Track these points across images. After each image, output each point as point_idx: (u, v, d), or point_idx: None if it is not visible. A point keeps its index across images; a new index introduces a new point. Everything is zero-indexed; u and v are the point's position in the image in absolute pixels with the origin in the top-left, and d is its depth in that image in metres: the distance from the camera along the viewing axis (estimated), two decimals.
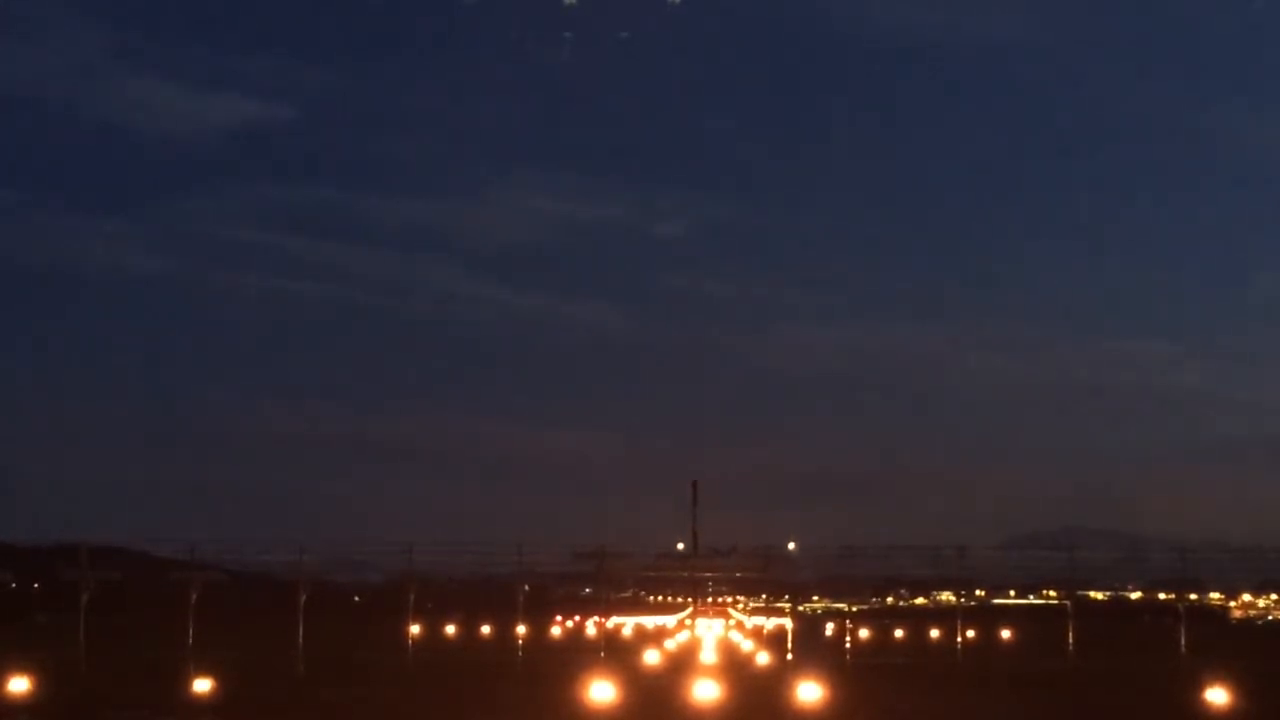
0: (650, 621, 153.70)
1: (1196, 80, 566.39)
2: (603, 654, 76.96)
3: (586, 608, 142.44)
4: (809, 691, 43.14)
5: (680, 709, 44.47)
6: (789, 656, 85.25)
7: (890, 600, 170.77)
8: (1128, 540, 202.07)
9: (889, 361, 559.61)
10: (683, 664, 69.36)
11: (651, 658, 73.91)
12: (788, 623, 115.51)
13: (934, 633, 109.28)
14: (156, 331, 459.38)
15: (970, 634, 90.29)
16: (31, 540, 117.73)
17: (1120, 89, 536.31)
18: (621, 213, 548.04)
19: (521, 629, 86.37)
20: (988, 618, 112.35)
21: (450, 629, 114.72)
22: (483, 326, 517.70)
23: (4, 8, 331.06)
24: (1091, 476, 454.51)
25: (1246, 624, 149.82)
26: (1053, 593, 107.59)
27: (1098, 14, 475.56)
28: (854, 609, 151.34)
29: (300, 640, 74.46)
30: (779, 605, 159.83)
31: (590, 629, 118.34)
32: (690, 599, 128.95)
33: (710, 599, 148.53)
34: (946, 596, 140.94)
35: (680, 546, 78.11)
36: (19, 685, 44.69)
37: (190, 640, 73.36)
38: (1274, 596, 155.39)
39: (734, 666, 70.48)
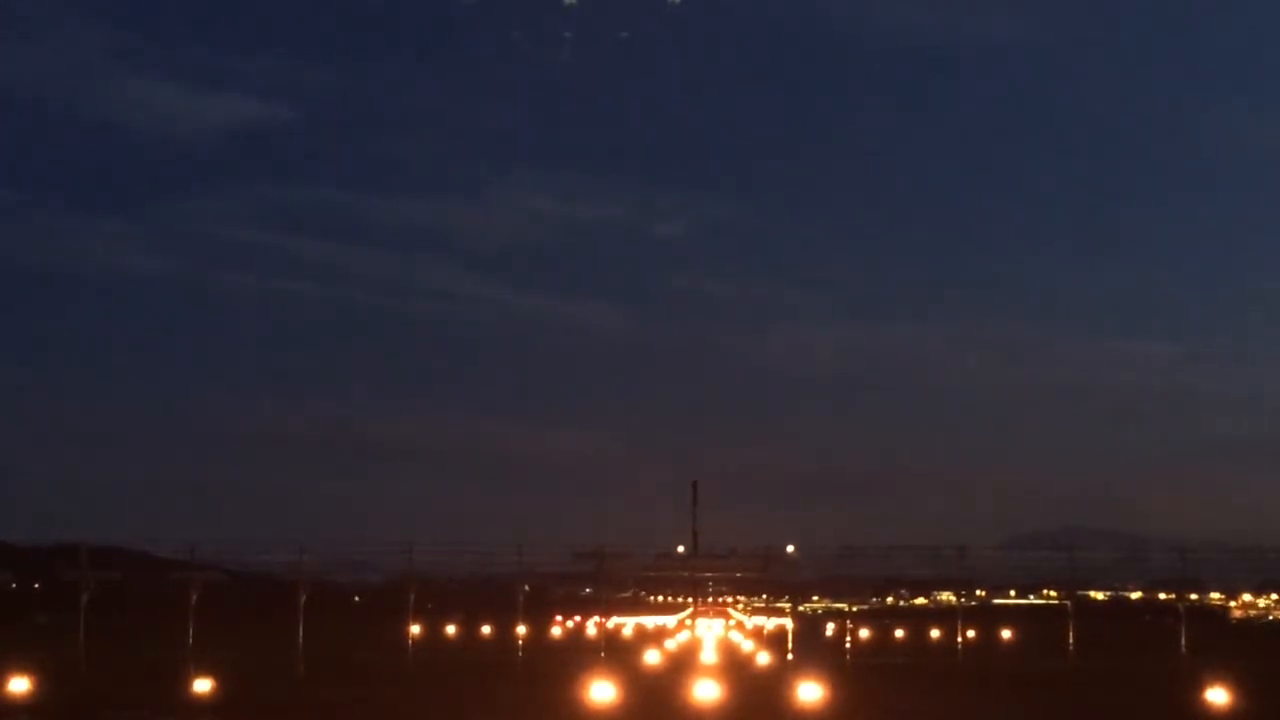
0: (650, 621, 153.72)
1: (1196, 80, 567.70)
2: (603, 654, 76.97)
3: (586, 608, 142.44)
4: (809, 691, 43.13)
5: (680, 709, 44.46)
6: (789, 656, 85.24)
7: (890, 600, 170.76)
8: (1128, 540, 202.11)
9: (889, 361, 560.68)
10: (683, 664, 69.36)
11: (652, 658, 73.90)
12: (788, 623, 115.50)
13: (934, 633, 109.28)
14: (156, 331, 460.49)
15: (970, 634, 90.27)
16: (31, 540, 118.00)
17: (1120, 89, 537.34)
18: (621, 213, 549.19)
19: (521, 629, 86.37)
20: (988, 618, 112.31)
21: (450, 629, 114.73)
22: (483, 326, 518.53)
23: (4, 8, 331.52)
24: (1091, 476, 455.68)
25: (1246, 624, 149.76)
26: (1053, 593, 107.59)
27: (1098, 14, 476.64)
28: (854, 609, 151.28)
29: (300, 640, 74.44)
30: (779, 605, 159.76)
31: (590, 629, 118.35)
32: (690, 599, 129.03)
33: (710, 599, 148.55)
34: (946, 596, 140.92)
35: (680, 549, 78.07)
36: (19, 685, 44.68)
37: (190, 640, 73.33)
38: (1274, 596, 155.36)
39: (734, 666, 70.46)
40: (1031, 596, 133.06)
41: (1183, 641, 75.59)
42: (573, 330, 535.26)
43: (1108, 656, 77.31)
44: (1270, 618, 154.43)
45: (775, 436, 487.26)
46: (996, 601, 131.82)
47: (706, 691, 44.69)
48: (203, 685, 46.39)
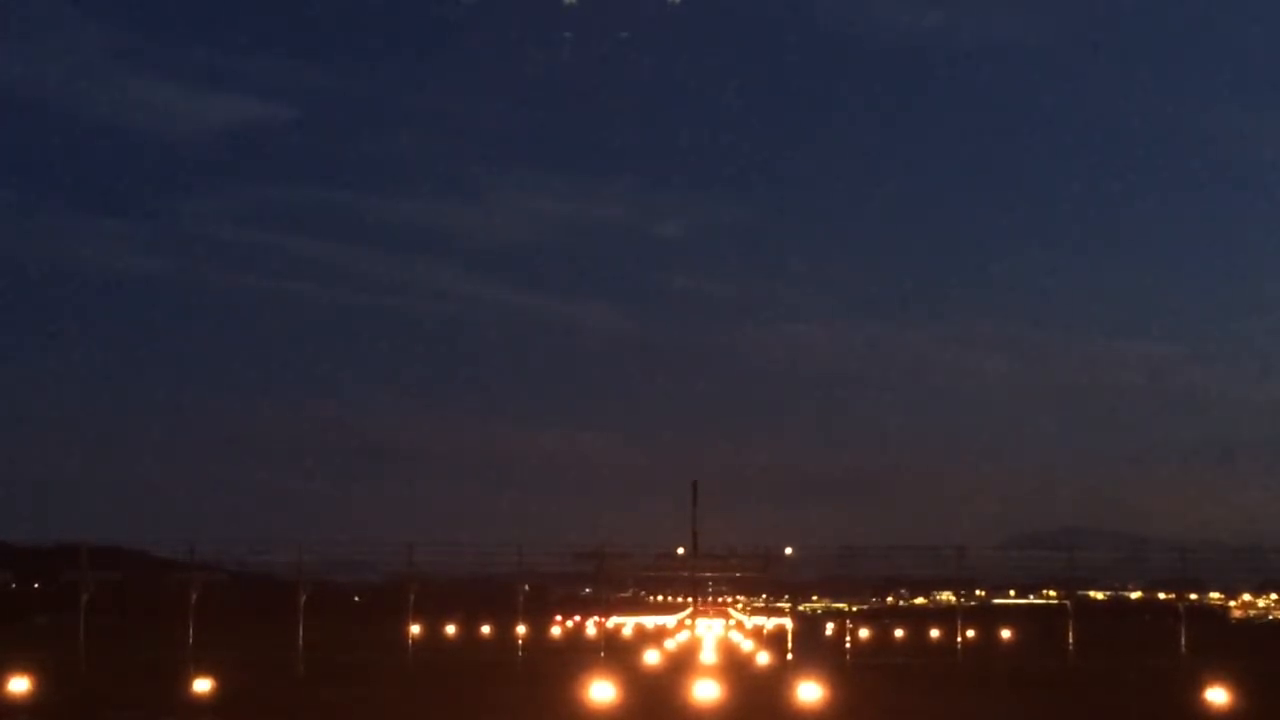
0: (650, 621, 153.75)
1: (1196, 80, 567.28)
2: (603, 654, 76.95)
3: (586, 608, 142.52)
4: (809, 691, 43.11)
5: (680, 709, 44.44)
6: (789, 656, 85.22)
7: (890, 600, 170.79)
8: (1128, 540, 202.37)
9: (889, 361, 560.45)
10: (683, 664, 69.34)
11: (651, 658, 73.90)
12: (788, 623, 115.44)
13: (934, 633, 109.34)
14: (156, 331, 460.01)
15: (970, 634, 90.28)
16: (31, 540, 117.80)
17: (1120, 89, 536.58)
18: (621, 213, 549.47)
19: (521, 629, 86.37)
20: (988, 618, 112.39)
21: (450, 629, 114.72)
22: (483, 326, 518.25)
23: (4, 8, 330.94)
24: (1091, 476, 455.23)
25: (1246, 624, 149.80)
26: (1053, 593, 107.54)
27: (1098, 14, 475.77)
28: (854, 609, 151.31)
29: (300, 640, 74.43)
30: (779, 605, 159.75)
31: (590, 629, 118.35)
32: (690, 599, 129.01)
33: (710, 599, 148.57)
34: (946, 596, 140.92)
35: (680, 551, 78.09)
36: (19, 685, 44.65)
37: (190, 640, 73.33)
38: (1274, 596, 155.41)
39: (734, 666, 70.45)
40: (1031, 596, 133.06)
41: (1183, 641, 75.60)
42: (573, 330, 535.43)
43: (1108, 656, 77.31)
44: (1270, 618, 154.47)
45: (775, 436, 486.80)
46: (996, 601, 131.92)
47: (706, 691, 44.66)
48: (203, 685, 46.37)
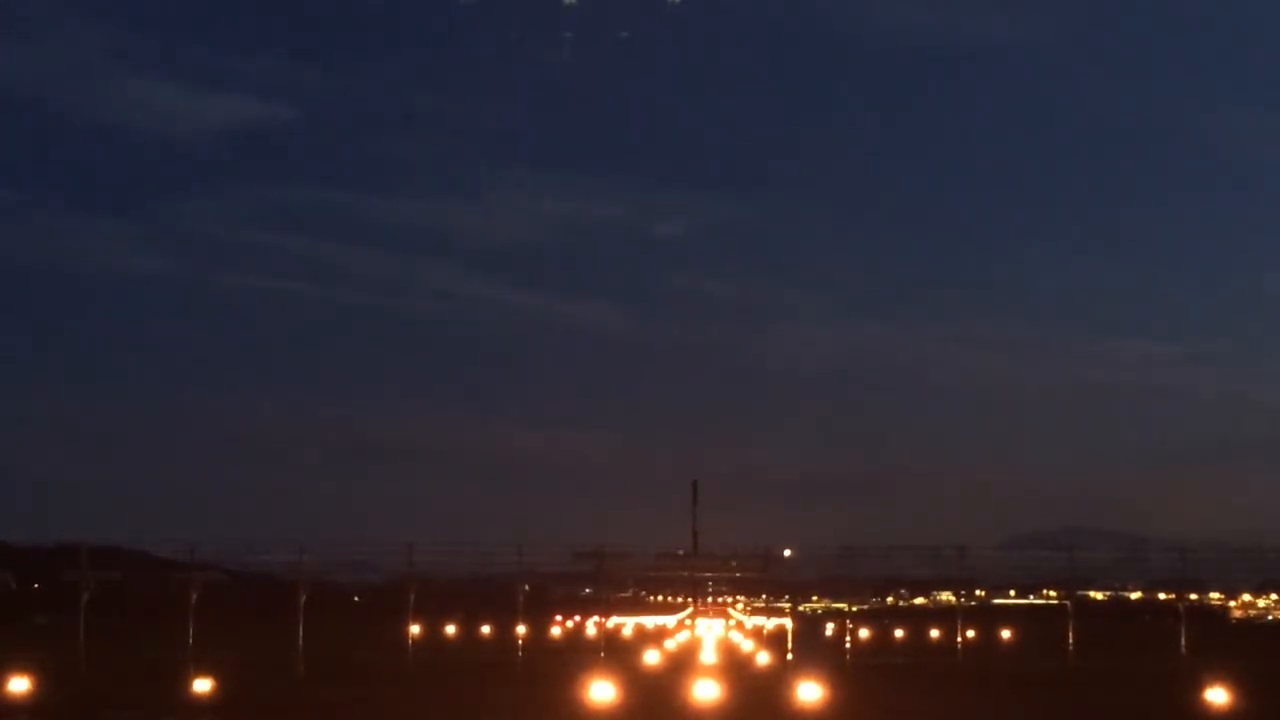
0: (650, 621, 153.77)
1: (1197, 81, 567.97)
2: (603, 654, 76.93)
3: (586, 608, 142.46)
4: (809, 691, 43.12)
5: (680, 709, 44.45)
6: (789, 656, 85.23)
7: (890, 600, 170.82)
8: (1128, 540, 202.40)
9: (888, 361, 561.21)
10: (683, 664, 69.35)
11: (651, 658, 73.92)
12: (788, 623, 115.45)
13: (934, 633, 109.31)
14: (156, 331, 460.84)
15: (970, 634, 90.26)
16: (31, 540, 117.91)
17: (1120, 89, 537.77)
18: (621, 213, 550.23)
19: (521, 629, 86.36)
20: (988, 618, 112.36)
21: (450, 629, 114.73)
22: (483, 326, 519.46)
23: (4, 8, 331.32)
24: (1091, 476, 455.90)
25: (1246, 624, 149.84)
26: (1053, 593, 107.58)
27: (1098, 14, 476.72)
28: (854, 609, 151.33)
29: (300, 640, 74.43)
30: (779, 605, 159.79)
31: (590, 629, 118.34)
32: (690, 599, 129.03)
33: (710, 599, 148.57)
34: (946, 596, 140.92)
35: (681, 553, 78.13)
36: (19, 685, 44.67)
37: (190, 640, 73.32)
38: (1274, 596, 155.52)
39: (734, 666, 70.47)
40: (1031, 596, 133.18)
41: (1183, 641, 75.57)
42: (573, 330, 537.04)
43: (1108, 656, 77.33)
44: (1270, 618, 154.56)
45: (775, 436, 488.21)
46: (996, 601, 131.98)
47: (706, 691, 44.68)
48: (203, 685, 46.37)
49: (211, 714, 43.91)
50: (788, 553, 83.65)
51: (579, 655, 75.89)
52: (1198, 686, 45.14)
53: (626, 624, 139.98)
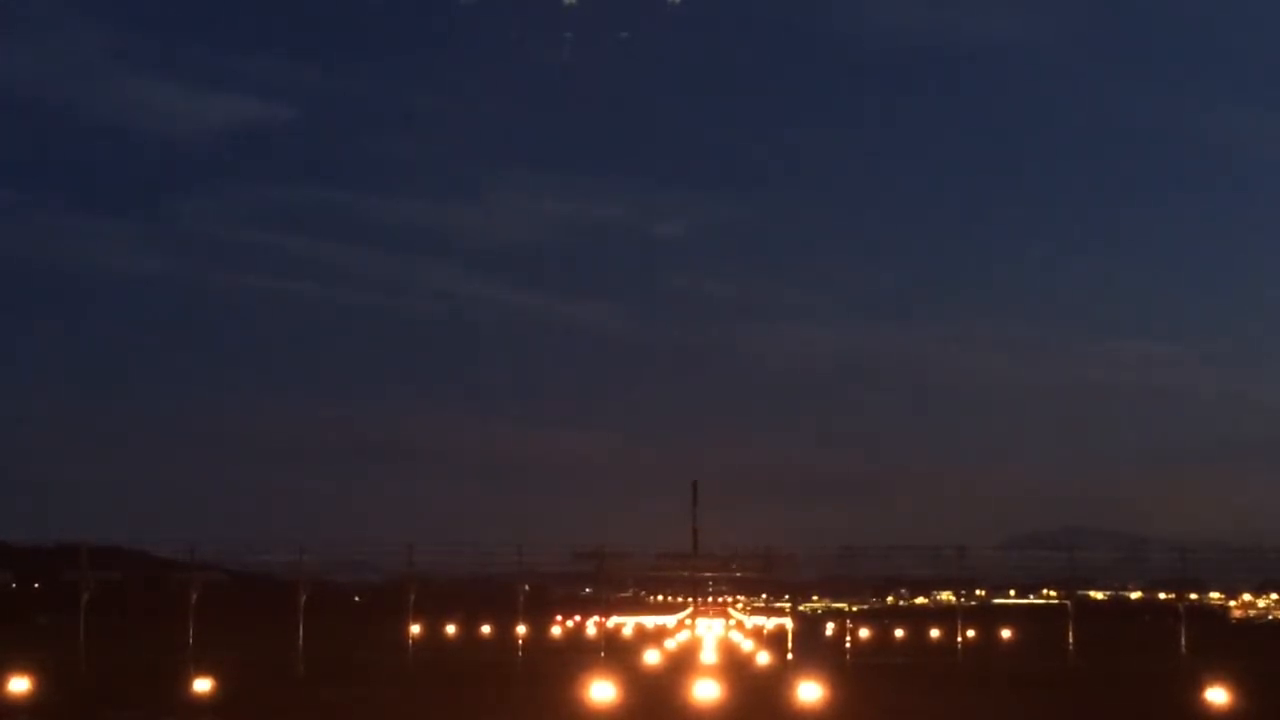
0: (650, 621, 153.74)
1: (1197, 81, 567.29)
2: (603, 654, 76.98)
3: (586, 608, 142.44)
4: (809, 691, 43.12)
5: (680, 709, 44.46)
6: (789, 656, 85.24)
7: (890, 600, 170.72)
8: (1128, 540, 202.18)
9: (889, 361, 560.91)
10: (683, 664, 69.37)
11: (652, 658, 73.95)
12: (788, 623, 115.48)
13: (934, 633, 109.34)
14: (156, 331, 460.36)
15: (970, 634, 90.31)
16: (31, 540, 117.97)
17: (1121, 89, 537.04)
18: (621, 213, 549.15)
19: (521, 629, 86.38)
20: (988, 618, 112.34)
21: (450, 629, 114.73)
22: (483, 326, 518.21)
23: (4, 8, 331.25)
24: (1091, 476, 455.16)
25: (1246, 624, 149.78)
26: (1053, 593, 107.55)
27: (1098, 14, 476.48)
28: (854, 609, 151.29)
29: (300, 640, 74.45)
30: (779, 605, 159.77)
31: (590, 629, 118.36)
32: (690, 599, 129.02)
33: (710, 599, 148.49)
34: (946, 596, 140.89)
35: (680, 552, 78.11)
36: (19, 685, 44.68)
37: (190, 640, 73.35)
38: (1274, 596, 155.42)
39: (734, 666, 70.48)
40: (1031, 596, 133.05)
41: (1183, 641, 75.60)
42: (573, 330, 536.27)
43: (1108, 656, 77.32)
44: (1270, 618, 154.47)
45: (775, 436, 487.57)
46: (996, 601, 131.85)
47: (706, 691, 44.69)
48: (203, 685, 46.40)
49: (211, 714, 43.94)
50: (789, 555, 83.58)
51: (579, 655, 75.92)
52: (1198, 686, 45.16)
53: (627, 624, 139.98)
